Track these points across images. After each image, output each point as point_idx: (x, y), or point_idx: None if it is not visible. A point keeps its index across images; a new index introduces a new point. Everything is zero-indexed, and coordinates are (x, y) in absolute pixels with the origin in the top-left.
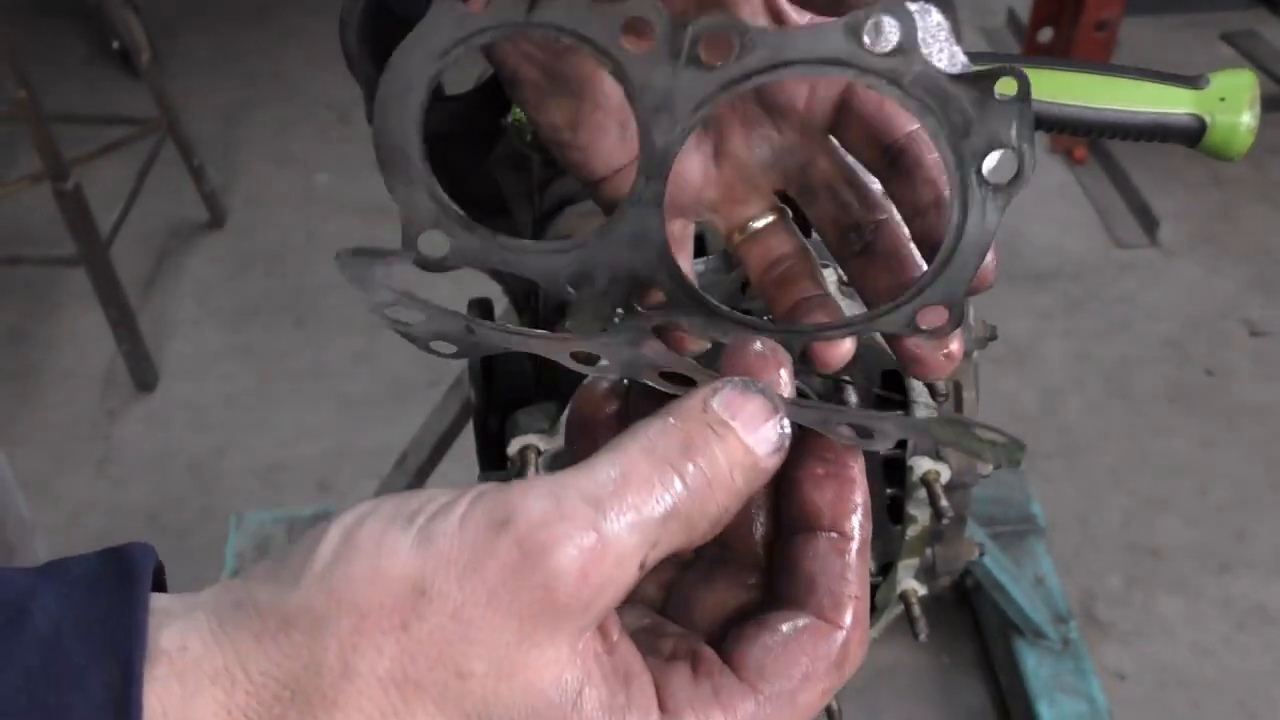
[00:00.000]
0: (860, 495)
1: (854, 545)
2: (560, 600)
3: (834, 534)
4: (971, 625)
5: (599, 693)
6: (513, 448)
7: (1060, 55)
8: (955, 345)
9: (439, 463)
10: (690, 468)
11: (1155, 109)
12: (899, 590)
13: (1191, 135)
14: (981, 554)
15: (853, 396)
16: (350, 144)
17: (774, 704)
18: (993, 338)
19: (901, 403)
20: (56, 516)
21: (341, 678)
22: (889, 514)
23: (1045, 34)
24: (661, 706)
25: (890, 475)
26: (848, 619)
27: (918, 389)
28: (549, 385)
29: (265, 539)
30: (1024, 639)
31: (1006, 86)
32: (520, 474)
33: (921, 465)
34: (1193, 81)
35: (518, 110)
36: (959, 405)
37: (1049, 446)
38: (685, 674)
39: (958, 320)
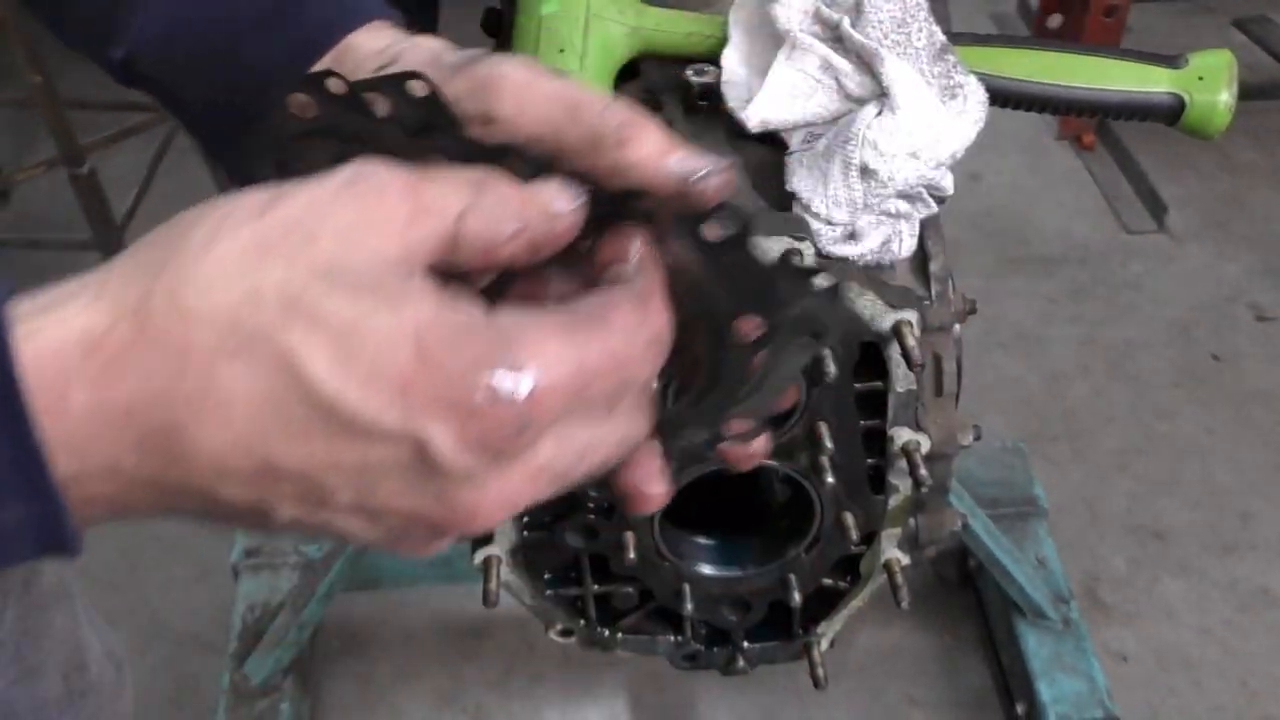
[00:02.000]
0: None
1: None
2: (392, 202)
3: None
4: (974, 606)
5: (430, 282)
6: None
7: (1069, 41)
8: (759, 444)
9: None
10: (491, 187)
11: (1135, 88)
12: (883, 560)
13: (1171, 113)
14: (964, 524)
15: (832, 367)
16: None
17: (593, 320)
18: (971, 311)
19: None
20: None
21: (203, 247)
22: (871, 484)
23: (1054, 20)
24: (488, 320)
25: (871, 445)
26: (641, 281)
27: (896, 361)
28: None
29: None
30: (1025, 619)
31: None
32: None
33: (902, 435)
34: (1171, 61)
35: None
36: (939, 377)
37: (1054, 430)
38: (512, 309)
39: (760, 430)
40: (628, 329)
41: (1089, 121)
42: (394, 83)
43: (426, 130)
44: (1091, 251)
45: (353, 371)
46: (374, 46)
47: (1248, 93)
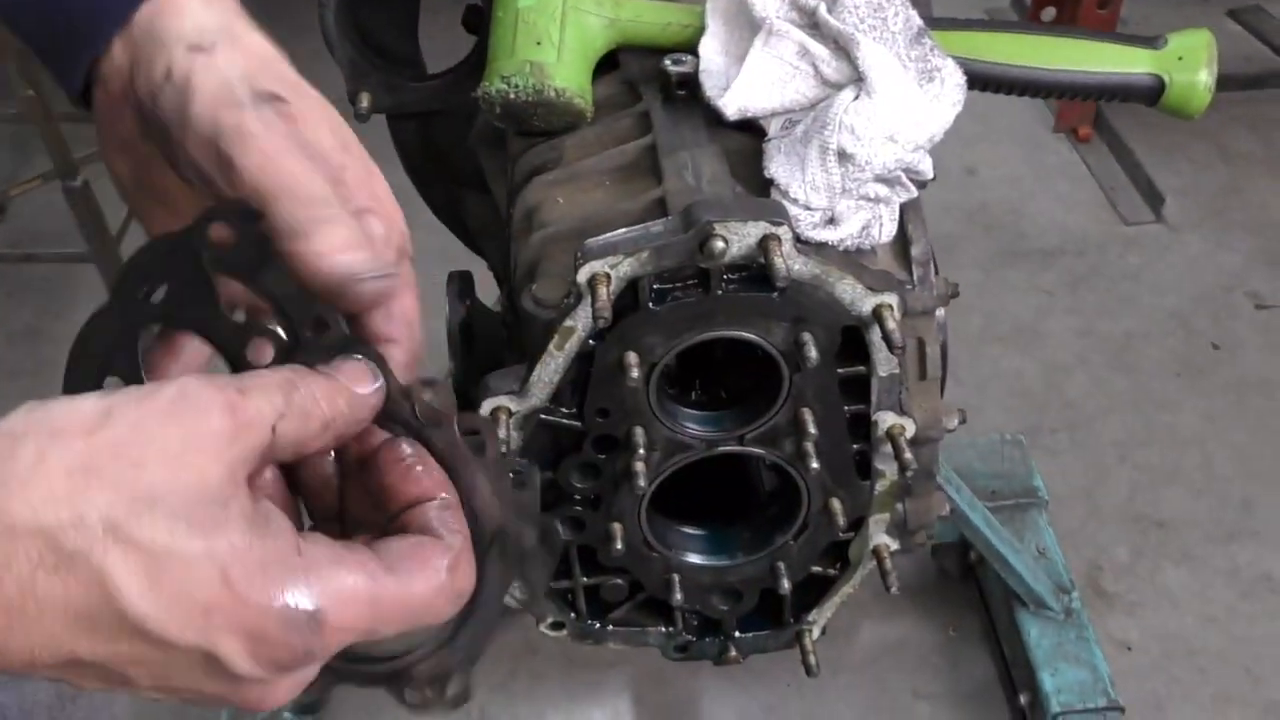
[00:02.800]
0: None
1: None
2: (215, 424)
3: (439, 498)
4: (976, 599)
5: (245, 506)
6: (484, 409)
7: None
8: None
9: None
10: (301, 385)
11: (1115, 69)
12: (871, 546)
13: (1151, 94)
14: (951, 510)
15: (813, 350)
16: (360, 135)
17: (397, 573)
18: (954, 295)
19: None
20: None
21: (33, 467)
22: (857, 470)
23: (1049, 13)
24: (297, 550)
25: (856, 431)
26: (458, 540)
27: (877, 345)
28: (521, 349)
29: None
30: (1027, 610)
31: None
32: None
33: (886, 420)
34: (1151, 42)
35: (487, 81)
36: (922, 361)
37: (1054, 422)
38: (324, 539)
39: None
40: (431, 589)
41: (1085, 114)
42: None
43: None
44: (1089, 243)
45: (161, 592)
46: (181, 28)
47: (1243, 83)
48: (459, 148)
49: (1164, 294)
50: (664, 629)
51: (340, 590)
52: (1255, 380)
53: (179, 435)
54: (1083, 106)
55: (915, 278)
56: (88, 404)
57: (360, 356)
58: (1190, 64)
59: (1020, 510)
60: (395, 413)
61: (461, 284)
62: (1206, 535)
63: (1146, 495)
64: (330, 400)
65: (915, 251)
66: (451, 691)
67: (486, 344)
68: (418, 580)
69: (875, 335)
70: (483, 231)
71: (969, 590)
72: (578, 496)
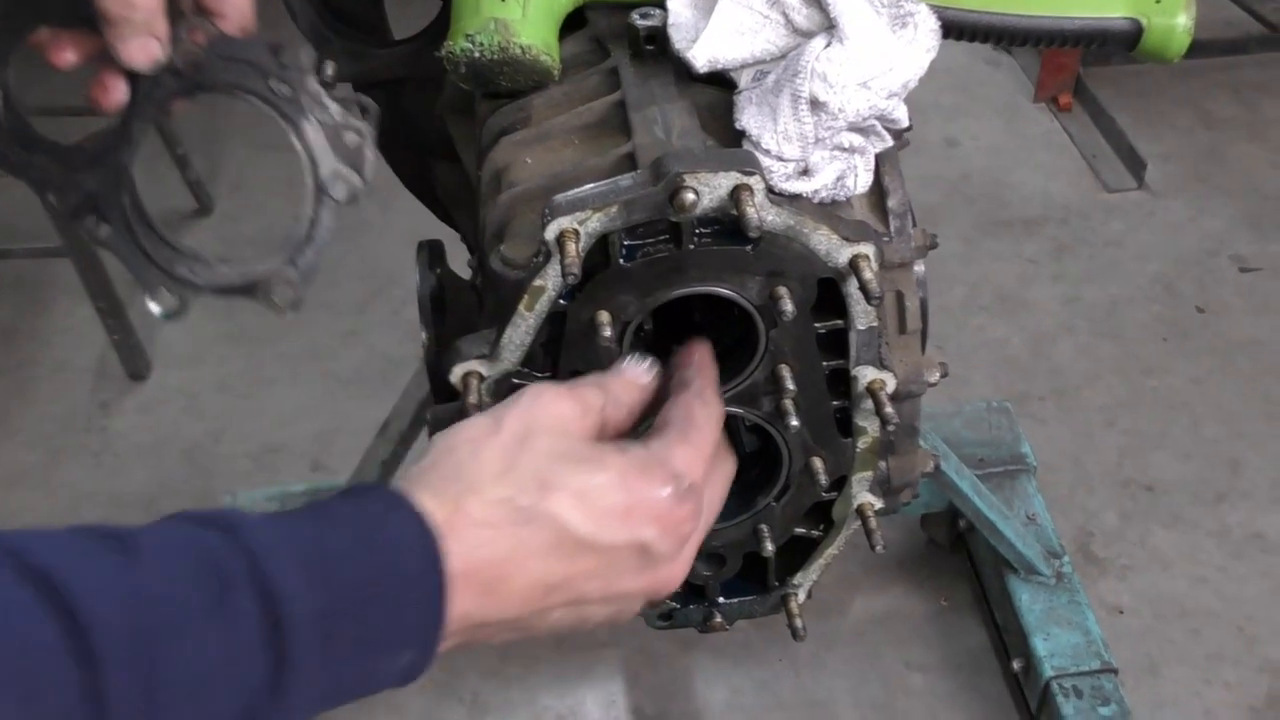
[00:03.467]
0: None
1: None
2: (566, 409)
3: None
4: (967, 568)
5: (609, 445)
6: (454, 375)
7: None
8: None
9: (421, 428)
10: (609, 383)
11: (1092, 14)
12: (855, 505)
13: (1129, 38)
14: (937, 465)
15: (788, 304)
16: None
17: (688, 426)
18: (933, 246)
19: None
20: (55, 508)
21: (473, 459)
22: (838, 427)
23: None
24: (651, 454)
25: (836, 387)
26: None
27: (855, 297)
28: (491, 313)
29: None
30: (1018, 576)
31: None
32: (463, 402)
33: (866, 375)
34: None
35: (451, 41)
36: (901, 315)
37: (1040, 389)
38: (653, 443)
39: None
40: (707, 420)
41: (1065, 82)
42: None
43: None
44: (1072, 211)
45: (590, 513)
46: None
47: (1224, 48)
48: (427, 116)
49: (1148, 260)
50: None
51: (683, 456)
52: (1241, 342)
53: (548, 418)
54: (1063, 75)
55: (892, 229)
56: (481, 419)
57: (635, 357)
58: (1169, 7)
59: (1009, 477)
60: (253, 64)
61: (431, 253)
62: (1196, 497)
63: (1135, 459)
64: (626, 389)
65: (892, 203)
66: (293, 296)
67: (459, 313)
68: (699, 420)
69: (852, 287)
70: (454, 202)
71: (960, 560)
72: None
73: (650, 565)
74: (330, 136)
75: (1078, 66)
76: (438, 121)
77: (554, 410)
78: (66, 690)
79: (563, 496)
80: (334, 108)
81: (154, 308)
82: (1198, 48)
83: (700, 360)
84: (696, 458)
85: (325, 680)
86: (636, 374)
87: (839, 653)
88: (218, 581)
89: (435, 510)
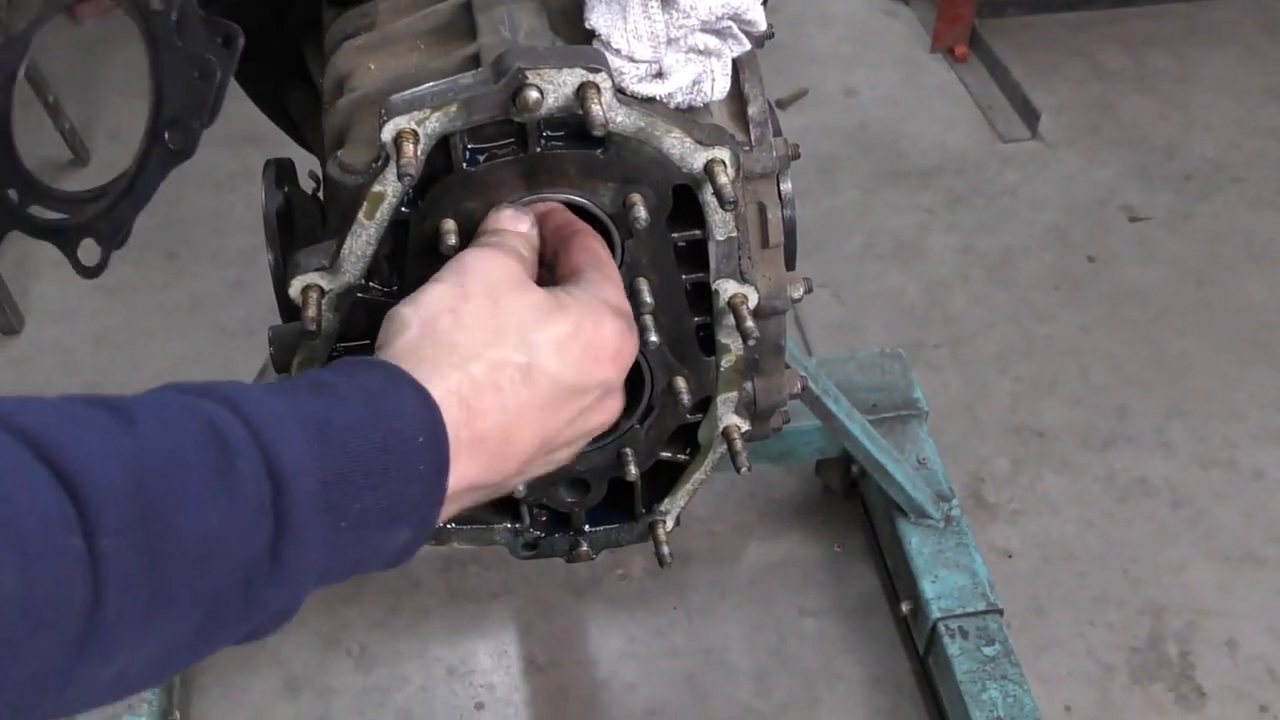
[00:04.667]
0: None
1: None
2: (515, 268)
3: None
4: (861, 514)
5: (556, 296)
6: (293, 288)
7: None
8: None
9: None
10: (510, 237)
11: None
12: (721, 427)
13: None
14: (804, 386)
15: (641, 211)
16: None
17: (603, 268)
18: (795, 156)
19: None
20: None
21: (466, 331)
22: (701, 345)
23: None
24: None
25: (697, 302)
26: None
27: (712, 205)
28: (335, 224)
29: None
30: (908, 520)
31: None
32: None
33: (728, 289)
34: None
35: None
36: (764, 227)
37: (935, 337)
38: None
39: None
40: (608, 256)
41: (961, 33)
42: None
43: None
44: (967, 161)
45: (570, 360)
46: None
47: (1114, 0)
48: (276, 32)
49: (1041, 209)
50: (510, 525)
51: (616, 296)
52: (1129, 291)
53: (503, 272)
54: (958, 26)
55: (753, 138)
56: (441, 288)
57: (510, 207)
58: None
59: (901, 422)
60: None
61: (279, 171)
62: (1084, 443)
63: (1026, 406)
64: (527, 244)
65: (752, 111)
66: (100, 257)
67: (307, 232)
68: (615, 272)
69: (708, 194)
70: (306, 122)
71: (853, 506)
72: None
73: (608, 397)
74: (185, 70)
75: (973, 17)
76: (288, 39)
77: (506, 266)
78: (65, 557)
79: (549, 349)
80: (200, 34)
81: None
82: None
83: (565, 212)
84: (618, 291)
85: (324, 553)
86: (521, 224)
87: (732, 599)
88: (219, 449)
89: (442, 382)
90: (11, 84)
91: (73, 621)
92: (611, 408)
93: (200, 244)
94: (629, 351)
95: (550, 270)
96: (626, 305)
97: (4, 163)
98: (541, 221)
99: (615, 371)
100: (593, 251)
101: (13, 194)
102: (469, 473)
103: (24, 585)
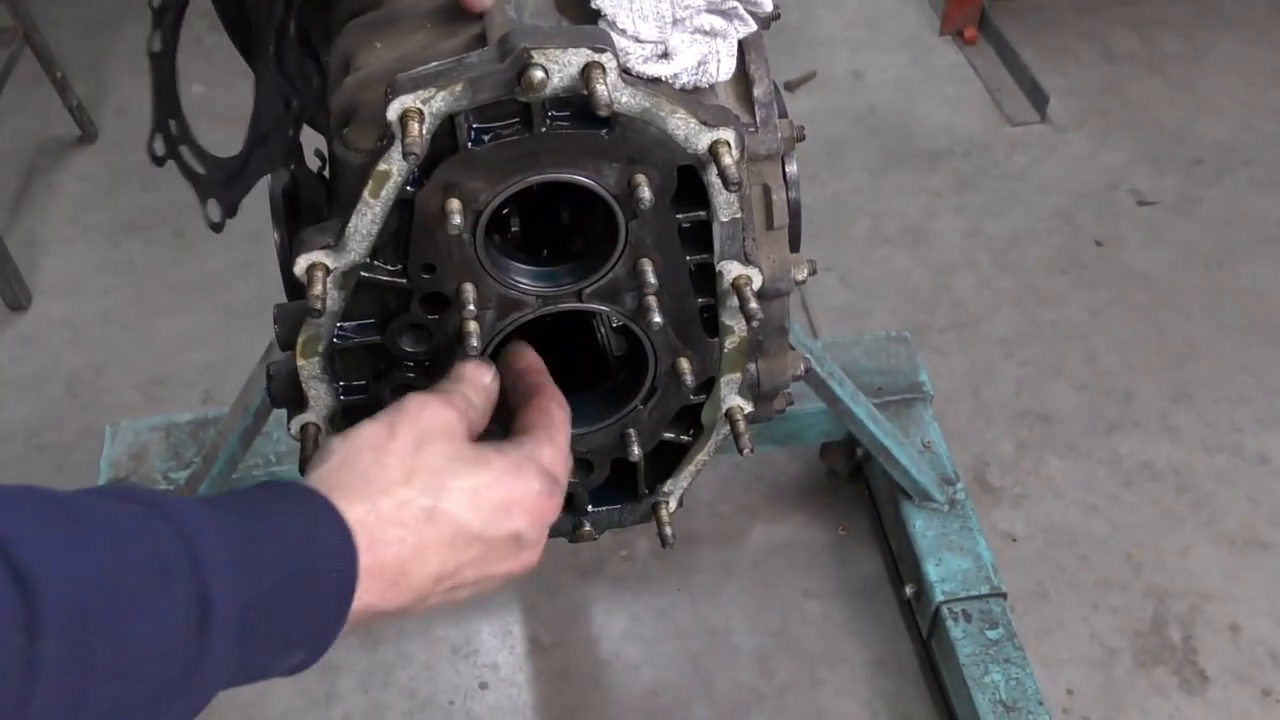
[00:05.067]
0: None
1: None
2: (449, 417)
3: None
4: (864, 498)
5: (485, 450)
6: (299, 266)
7: None
8: None
9: None
10: (466, 390)
11: None
12: (724, 408)
13: None
14: (806, 369)
15: (646, 191)
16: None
17: (557, 444)
18: (800, 138)
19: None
20: None
21: (380, 471)
22: (705, 326)
23: None
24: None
25: (701, 283)
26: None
27: (716, 186)
28: (340, 202)
29: (142, 448)
30: (912, 503)
31: None
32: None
33: (731, 270)
34: None
35: None
36: (768, 208)
37: (941, 321)
38: (520, 443)
39: None
40: (564, 421)
41: (970, 15)
42: None
43: None
44: (975, 144)
45: (480, 509)
46: None
47: None
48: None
49: (1049, 193)
50: None
51: (551, 457)
52: (1137, 275)
53: (436, 420)
54: (968, 8)
55: (758, 119)
56: (375, 426)
57: (476, 360)
58: None
59: (906, 405)
60: None
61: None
62: (1089, 427)
63: (1032, 390)
64: (482, 396)
65: (758, 92)
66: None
67: (312, 210)
68: (560, 425)
69: (713, 175)
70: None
71: (858, 489)
72: (409, 362)
73: (519, 550)
74: (277, 92)
75: (982, 0)
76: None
77: (440, 416)
78: (9, 654)
79: (458, 495)
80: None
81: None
82: None
83: (535, 361)
84: (559, 456)
85: (230, 671)
86: (483, 377)
87: (737, 581)
88: (159, 570)
89: (349, 511)
90: (180, 18)
91: (3, 713)
92: (524, 560)
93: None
94: (547, 510)
95: (508, 420)
96: (560, 469)
97: (169, 96)
98: (512, 367)
99: (529, 525)
100: (547, 413)
101: (172, 125)
102: (365, 597)
103: None
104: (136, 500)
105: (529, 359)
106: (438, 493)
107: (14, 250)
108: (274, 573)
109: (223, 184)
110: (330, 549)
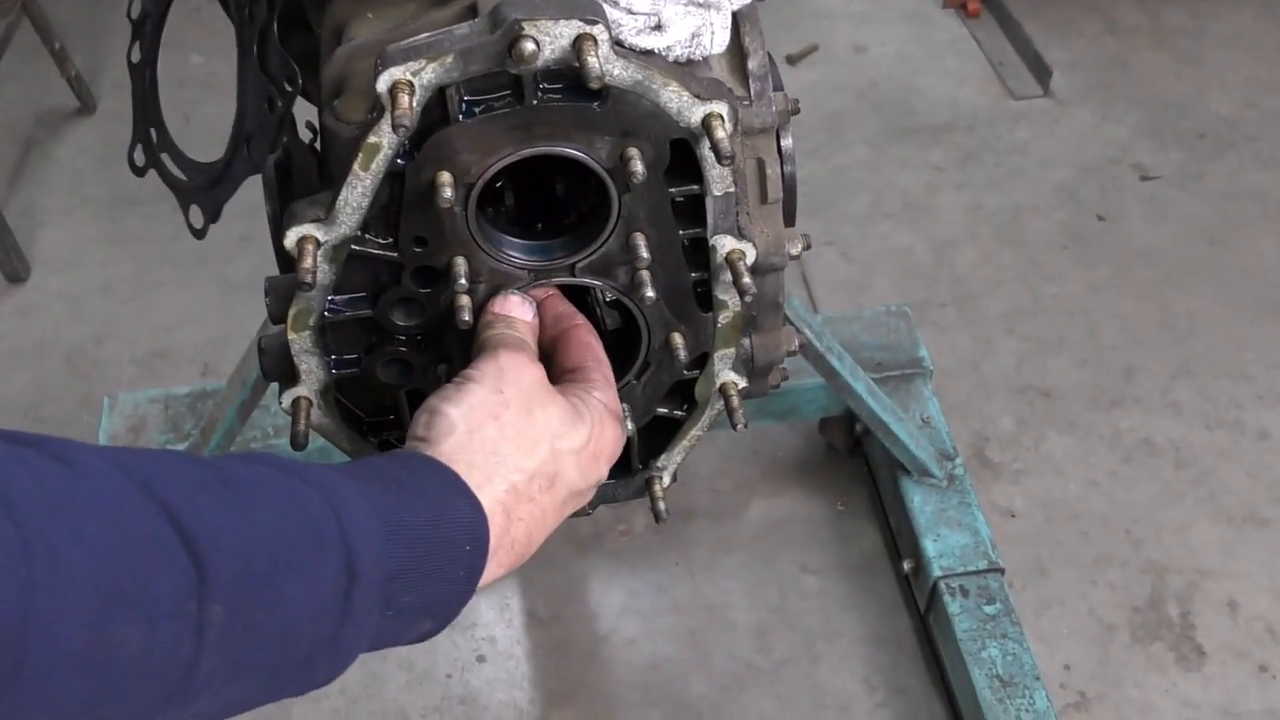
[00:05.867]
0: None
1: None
2: (534, 374)
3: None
4: (864, 473)
5: (576, 407)
6: (289, 239)
7: None
8: None
9: None
10: (515, 324)
11: None
12: (718, 383)
13: None
14: (801, 345)
15: (638, 165)
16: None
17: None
18: (795, 111)
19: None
20: None
21: (499, 441)
22: (699, 301)
23: None
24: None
25: (695, 258)
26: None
27: (709, 160)
28: (331, 175)
29: (140, 420)
30: (911, 478)
31: None
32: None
33: (724, 244)
34: None
35: None
36: (763, 183)
37: (942, 296)
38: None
39: None
40: (603, 352)
41: None
42: None
43: None
44: (978, 119)
45: (583, 467)
46: None
47: None
48: None
49: (1051, 167)
50: None
51: (613, 401)
52: (1139, 250)
53: (532, 381)
54: None
55: (752, 93)
56: (483, 390)
57: (519, 296)
58: None
59: (905, 380)
60: None
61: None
62: (1090, 403)
63: (1033, 366)
64: (531, 330)
65: (752, 65)
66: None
67: (305, 182)
68: (610, 371)
69: (706, 149)
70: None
71: (857, 464)
72: (401, 336)
73: (596, 488)
74: (259, 94)
75: None
76: None
77: (534, 374)
78: (184, 622)
79: (570, 460)
80: (278, 65)
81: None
82: None
83: (567, 306)
84: (613, 394)
85: (368, 636)
86: (528, 314)
87: (735, 556)
88: (315, 540)
89: (485, 489)
90: (159, 27)
91: (172, 676)
92: (588, 499)
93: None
94: (619, 449)
95: (548, 357)
96: (618, 406)
97: (151, 103)
98: (540, 308)
99: (607, 471)
100: (592, 348)
101: (153, 133)
102: (494, 572)
103: (147, 647)
104: (285, 469)
105: (556, 297)
106: (555, 460)
107: (12, 222)
108: (414, 548)
109: (205, 189)
110: (465, 527)
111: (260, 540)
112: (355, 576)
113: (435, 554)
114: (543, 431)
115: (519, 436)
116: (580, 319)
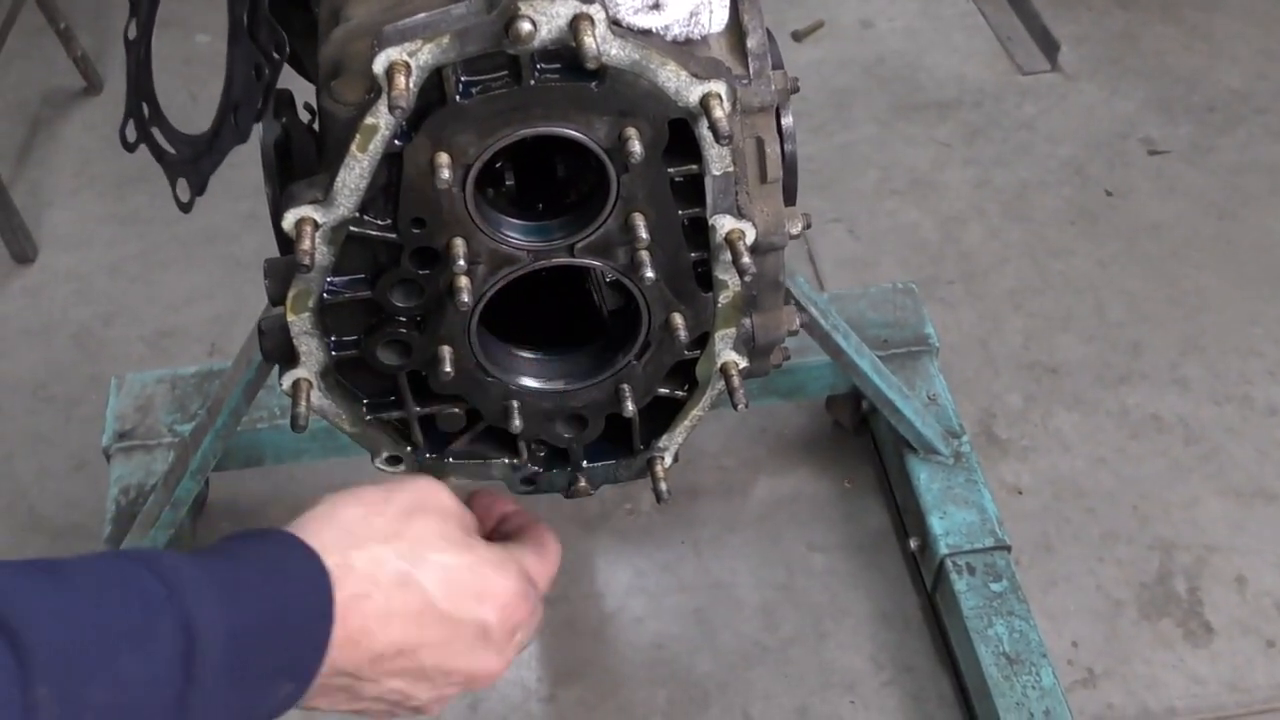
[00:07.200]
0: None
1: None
2: (446, 499)
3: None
4: (870, 451)
5: (476, 537)
6: (287, 220)
7: None
8: None
9: None
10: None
11: None
12: (719, 363)
13: None
14: (802, 324)
15: (637, 145)
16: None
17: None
18: (794, 90)
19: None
20: None
21: (366, 531)
22: (699, 281)
23: None
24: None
25: (694, 238)
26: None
27: (708, 139)
28: (329, 156)
29: (147, 400)
30: (917, 456)
31: None
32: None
33: (724, 224)
34: None
35: None
36: (762, 162)
37: (949, 273)
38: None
39: None
40: (555, 553)
41: None
42: None
43: None
44: (985, 94)
45: (452, 589)
46: None
47: None
48: None
49: (1059, 143)
50: (508, 460)
51: (535, 570)
52: (1147, 225)
53: (436, 501)
54: None
55: (751, 71)
56: (375, 490)
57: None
58: None
59: (912, 358)
60: None
61: (277, 101)
62: (1098, 379)
63: (1040, 342)
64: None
65: (751, 43)
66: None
67: (305, 163)
68: (552, 560)
69: (704, 129)
70: (305, 50)
71: (864, 442)
72: (401, 318)
73: (482, 648)
74: (248, 62)
75: None
76: None
77: (441, 499)
78: (8, 709)
79: (435, 570)
80: (265, 34)
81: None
82: None
83: (513, 505)
84: (543, 570)
85: (224, 703)
86: (506, 506)
87: (741, 534)
88: (141, 605)
89: (326, 557)
90: (155, 3)
91: None
92: (484, 663)
93: (216, 176)
94: (519, 612)
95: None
96: (542, 581)
97: (144, 79)
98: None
99: (497, 621)
100: (539, 534)
101: (145, 108)
102: (332, 650)
103: None
104: (114, 554)
105: (504, 504)
106: (415, 561)
107: (19, 202)
108: (255, 603)
109: (192, 161)
110: (306, 582)
111: (82, 613)
112: (194, 636)
113: (280, 608)
114: (411, 533)
115: (382, 527)
116: (531, 518)
